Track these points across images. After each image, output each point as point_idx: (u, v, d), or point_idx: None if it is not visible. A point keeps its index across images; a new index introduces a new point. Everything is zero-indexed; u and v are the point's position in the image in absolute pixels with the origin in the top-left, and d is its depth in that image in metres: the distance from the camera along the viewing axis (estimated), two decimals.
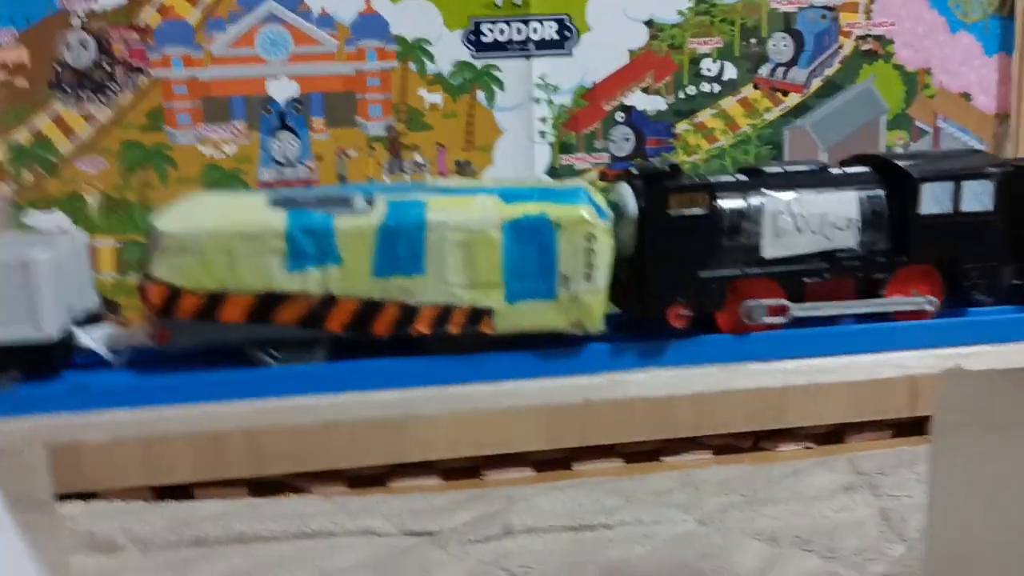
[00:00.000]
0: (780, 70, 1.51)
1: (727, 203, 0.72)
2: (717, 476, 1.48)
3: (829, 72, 1.52)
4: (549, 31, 1.45)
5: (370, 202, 0.69)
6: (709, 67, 1.50)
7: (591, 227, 0.69)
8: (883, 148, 1.55)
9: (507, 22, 1.44)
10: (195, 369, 0.69)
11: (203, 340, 0.68)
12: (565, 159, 1.50)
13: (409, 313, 0.69)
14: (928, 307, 0.75)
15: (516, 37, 1.45)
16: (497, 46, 1.45)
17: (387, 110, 1.46)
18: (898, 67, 1.53)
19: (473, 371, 0.71)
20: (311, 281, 0.68)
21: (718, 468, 1.52)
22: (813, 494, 1.38)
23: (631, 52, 1.48)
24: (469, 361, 0.71)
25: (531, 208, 0.69)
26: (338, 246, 0.67)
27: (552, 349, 0.71)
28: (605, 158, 1.51)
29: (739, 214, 0.72)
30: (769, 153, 1.53)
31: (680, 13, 1.47)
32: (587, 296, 0.70)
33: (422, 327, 0.69)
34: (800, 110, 1.53)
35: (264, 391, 0.69)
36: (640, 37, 1.48)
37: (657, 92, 1.50)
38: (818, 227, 0.73)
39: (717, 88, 1.51)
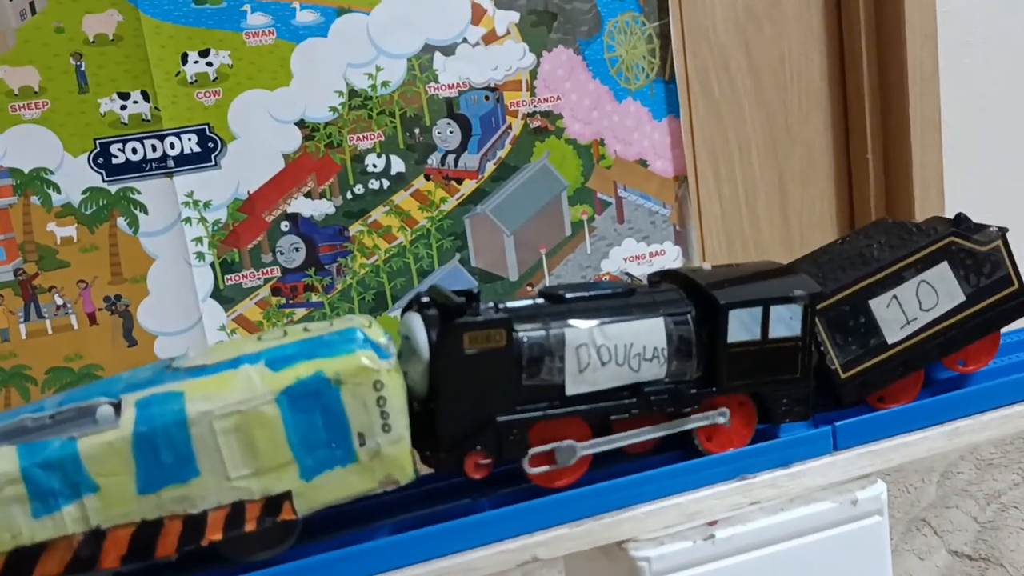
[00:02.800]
0: (450, 157, 1.44)
1: (526, 335, 0.65)
2: None
3: (501, 154, 1.46)
4: (189, 144, 1.32)
5: (116, 407, 0.59)
6: (374, 163, 1.41)
7: (376, 373, 0.61)
8: (568, 225, 1.50)
9: (139, 140, 1.30)
10: None
11: None
12: (231, 279, 1.37)
13: (195, 524, 0.60)
14: (720, 419, 0.71)
15: (152, 155, 1.31)
16: (132, 167, 1.31)
17: (12, 251, 1.29)
18: (571, 141, 1.49)
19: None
20: (68, 521, 0.58)
21: None
22: None
23: (286, 156, 1.37)
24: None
25: (303, 369, 0.60)
26: (89, 472, 0.57)
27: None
28: (276, 272, 1.39)
29: (539, 347, 0.66)
30: (452, 244, 1.45)
31: (333, 110, 1.38)
32: (390, 449, 0.62)
33: (214, 535, 0.60)
34: (478, 196, 1.46)
35: None
36: (293, 140, 1.37)
37: (322, 195, 1.39)
38: (624, 358, 0.67)
39: (386, 184, 1.42)
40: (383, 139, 1.40)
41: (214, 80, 1.32)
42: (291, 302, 1.40)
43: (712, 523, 0.70)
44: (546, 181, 1.48)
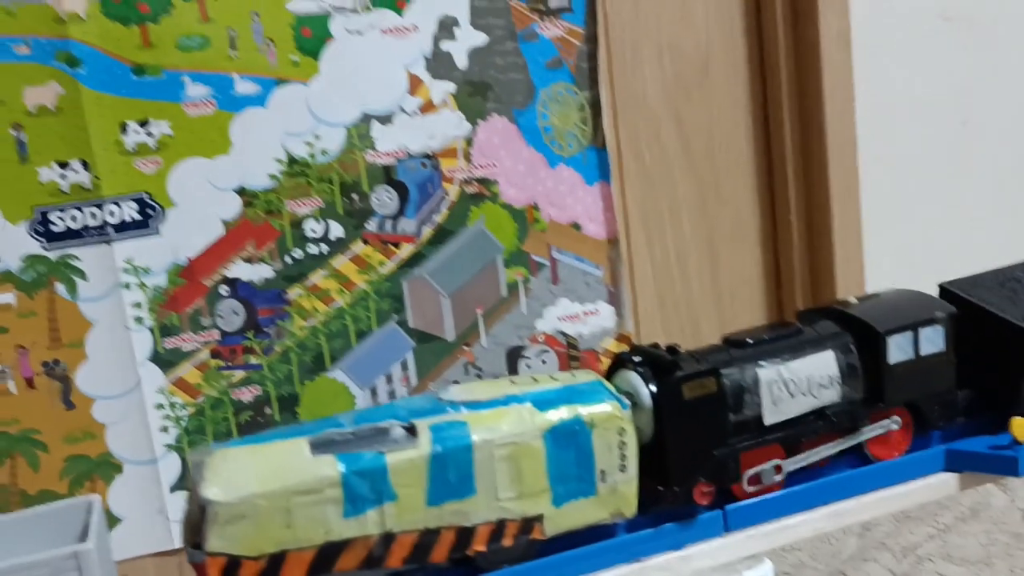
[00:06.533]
0: (388, 223, 1.48)
1: (728, 380, 0.77)
2: None
3: (438, 219, 1.50)
4: (129, 211, 1.35)
5: (410, 430, 0.69)
6: (313, 228, 1.44)
7: (621, 421, 0.73)
8: (504, 286, 1.54)
9: (79, 208, 1.32)
10: None
11: None
12: (169, 342, 1.39)
13: (466, 535, 0.70)
14: (894, 427, 0.83)
15: (92, 223, 1.33)
16: (72, 234, 1.33)
17: None
18: (506, 206, 1.53)
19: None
20: (369, 523, 0.67)
21: None
22: None
23: (225, 223, 1.40)
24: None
25: (565, 412, 0.72)
26: (392, 483, 0.67)
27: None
28: (215, 335, 1.42)
29: (740, 388, 0.78)
30: (390, 306, 1.49)
31: (272, 177, 1.41)
32: (623, 486, 0.73)
33: (479, 546, 0.71)
34: (415, 260, 1.50)
35: None
36: (233, 206, 1.40)
37: (261, 260, 1.42)
38: (807, 389, 0.79)
39: (326, 248, 1.45)
40: (322, 205, 1.44)
41: (154, 149, 1.35)
42: (230, 364, 1.43)
43: None
44: (482, 245, 1.53)
